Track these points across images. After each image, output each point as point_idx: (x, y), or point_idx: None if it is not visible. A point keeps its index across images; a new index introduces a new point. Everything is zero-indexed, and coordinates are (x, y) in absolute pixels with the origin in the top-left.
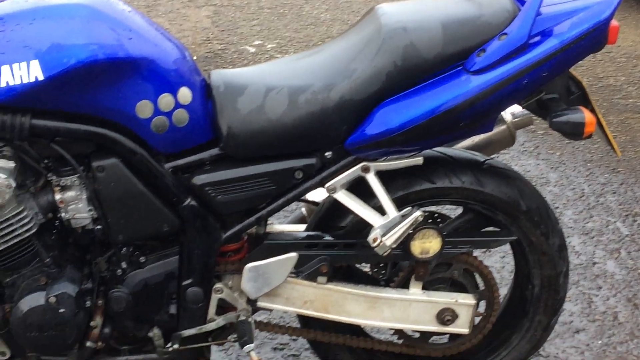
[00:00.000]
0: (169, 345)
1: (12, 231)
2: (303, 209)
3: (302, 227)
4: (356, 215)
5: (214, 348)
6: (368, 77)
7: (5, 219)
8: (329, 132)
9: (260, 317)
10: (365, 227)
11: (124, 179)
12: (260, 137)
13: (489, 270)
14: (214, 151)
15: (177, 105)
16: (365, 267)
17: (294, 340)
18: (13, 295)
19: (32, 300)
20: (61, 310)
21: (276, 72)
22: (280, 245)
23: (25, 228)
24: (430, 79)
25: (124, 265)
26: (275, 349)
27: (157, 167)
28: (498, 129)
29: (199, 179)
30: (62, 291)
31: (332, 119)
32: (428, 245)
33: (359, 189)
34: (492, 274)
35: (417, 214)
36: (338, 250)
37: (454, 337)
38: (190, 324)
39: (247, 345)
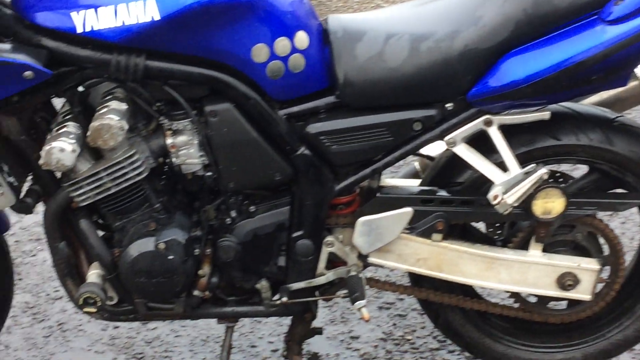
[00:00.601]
0: (276, 298)
1: (124, 174)
2: (416, 163)
3: (416, 182)
4: (475, 171)
5: (319, 304)
6: (495, 25)
7: (117, 161)
8: (451, 83)
9: (368, 274)
10: (484, 183)
11: (237, 125)
12: (378, 86)
13: (615, 235)
14: (330, 99)
15: (294, 49)
16: (481, 226)
17: (400, 299)
18: (122, 240)
19: (141, 246)
20: (170, 257)
21: (396, 18)
22: (395, 199)
23: (136, 172)
24: (561, 28)
25: (233, 214)
26: (380, 308)
27: (271, 113)
28: (630, 85)
29: (314, 128)
30: (171, 237)
31: (455, 68)
32: (551, 205)
33: (480, 143)
34: (619, 239)
35: (542, 171)
36: (455, 207)
37: (573, 303)
38: (299, 277)
39: (359, 302)
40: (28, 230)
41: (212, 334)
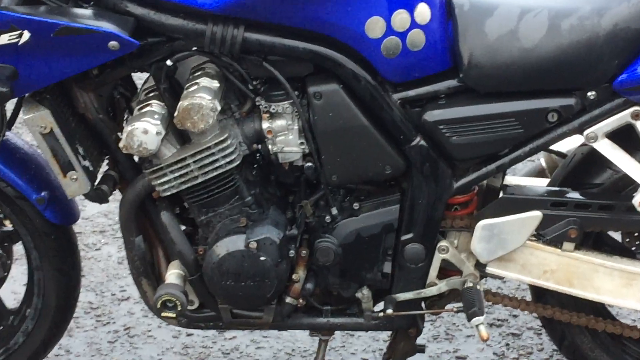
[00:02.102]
0: (379, 309)
1: (213, 162)
2: (542, 160)
3: (544, 181)
4: (618, 171)
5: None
6: None
7: (207, 147)
8: (596, 68)
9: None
10: (627, 186)
11: (344, 109)
12: (509, 69)
13: None
14: (452, 82)
15: (413, 24)
16: (616, 235)
17: (514, 316)
18: (207, 237)
19: (230, 244)
20: (262, 258)
21: None
22: (522, 201)
23: (227, 159)
24: None
25: (334, 211)
26: (491, 325)
27: (384, 97)
28: None
29: (432, 115)
30: (264, 236)
31: (601, 51)
32: None
33: (624, 139)
34: None
35: None
36: (591, 212)
37: None
38: (407, 286)
39: (477, 318)
40: (91, 221)
41: (297, 346)
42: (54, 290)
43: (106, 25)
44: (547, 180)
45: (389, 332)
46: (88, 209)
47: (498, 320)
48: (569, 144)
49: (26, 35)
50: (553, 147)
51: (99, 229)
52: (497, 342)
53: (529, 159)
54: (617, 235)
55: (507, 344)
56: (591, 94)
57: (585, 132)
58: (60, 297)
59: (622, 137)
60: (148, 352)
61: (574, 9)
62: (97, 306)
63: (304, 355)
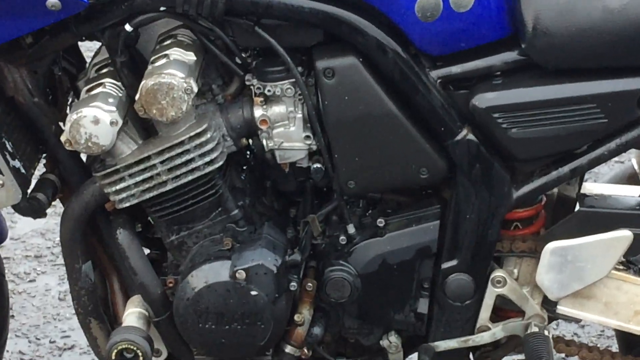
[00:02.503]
0: None
1: (188, 162)
2: (633, 161)
3: (636, 189)
4: None
5: None
6: None
7: (179, 142)
8: None
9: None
10: None
11: (365, 91)
12: (587, 38)
13: None
14: (510, 55)
15: None
16: None
17: None
18: (180, 264)
19: (210, 273)
20: (253, 293)
21: None
22: (605, 216)
23: (207, 158)
24: None
25: (351, 229)
26: None
27: (419, 74)
28: None
29: (484, 99)
30: (255, 262)
31: None
32: None
33: None
34: None
35: None
36: None
37: None
38: (450, 332)
39: None
40: (23, 242)
41: None
42: None
43: None
44: None
45: None
46: (19, 227)
47: None
48: None
49: None
50: None
51: (33, 254)
52: None
53: (615, 159)
54: None
55: None
56: None
57: None
58: None
59: None
60: None
61: None
62: (31, 358)
63: None
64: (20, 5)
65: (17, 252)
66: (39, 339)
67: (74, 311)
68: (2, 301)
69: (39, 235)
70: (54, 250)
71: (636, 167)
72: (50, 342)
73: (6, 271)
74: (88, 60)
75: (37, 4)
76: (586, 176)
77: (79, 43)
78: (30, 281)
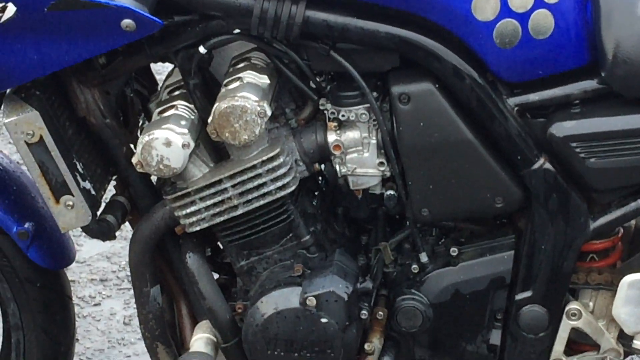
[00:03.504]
0: None
1: (260, 186)
2: None
3: None
4: None
5: None
6: None
7: (251, 165)
8: None
9: None
10: None
11: (441, 117)
12: None
13: None
14: (590, 84)
15: (538, 2)
16: None
17: None
18: (249, 289)
19: (280, 299)
20: (324, 320)
21: None
22: None
23: (279, 183)
24: None
25: (424, 258)
26: None
27: (495, 101)
28: None
29: (562, 128)
30: (327, 290)
31: None
32: None
33: None
34: None
35: None
36: None
37: None
38: None
39: None
40: (89, 266)
41: None
42: (38, 359)
43: None
44: None
45: None
46: (85, 250)
47: None
48: None
49: (11, 9)
50: None
51: (99, 277)
52: None
53: None
54: None
55: None
56: None
57: None
58: None
59: None
60: None
61: None
62: None
63: None
64: (95, 25)
65: (83, 276)
66: None
67: (138, 336)
68: (68, 324)
69: (105, 259)
70: (120, 274)
71: None
72: None
73: (72, 294)
74: (160, 82)
75: (112, 25)
76: None
77: (152, 65)
78: (95, 305)
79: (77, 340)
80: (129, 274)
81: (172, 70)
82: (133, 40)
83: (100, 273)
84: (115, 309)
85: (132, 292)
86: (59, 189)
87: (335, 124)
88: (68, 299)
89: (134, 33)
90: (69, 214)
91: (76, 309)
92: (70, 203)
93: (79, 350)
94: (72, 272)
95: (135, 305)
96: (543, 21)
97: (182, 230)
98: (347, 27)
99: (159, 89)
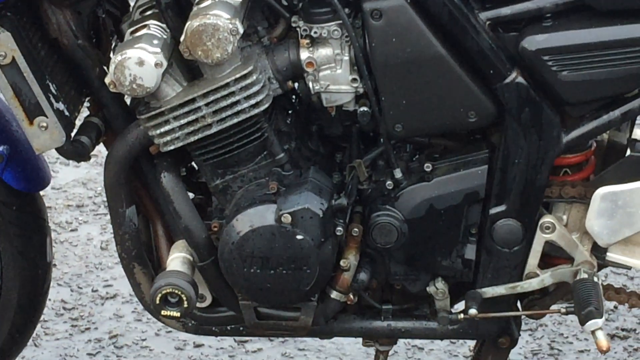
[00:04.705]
0: (458, 309)
1: (233, 104)
2: None
3: None
4: None
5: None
6: None
7: (224, 84)
8: None
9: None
10: None
11: (413, 33)
12: None
13: None
14: None
15: None
16: None
17: None
18: (224, 208)
19: (255, 217)
20: (299, 237)
21: None
22: None
23: (252, 101)
24: None
25: (398, 174)
26: (613, 336)
27: (467, 16)
28: None
29: (534, 42)
30: (301, 206)
31: None
32: None
33: None
34: None
35: None
36: None
37: None
38: (497, 278)
39: (593, 321)
40: (65, 192)
41: None
42: (16, 282)
43: None
44: None
45: (472, 343)
46: (60, 176)
47: (623, 330)
48: None
49: None
50: None
51: (75, 203)
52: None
53: None
54: None
55: None
56: None
57: None
58: (23, 291)
59: None
60: None
61: None
62: (73, 306)
63: None
64: None
65: (59, 202)
66: (81, 288)
67: (116, 260)
68: (45, 247)
69: (81, 185)
70: (96, 200)
71: None
72: (93, 290)
73: (49, 220)
74: (132, 3)
75: None
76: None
77: None
78: (72, 230)
79: (55, 265)
80: (105, 199)
81: None
82: None
83: (77, 199)
84: (92, 234)
85: (108, 217)
86: (33, 111)
87: (307, 41)
88: (44, 222)
89: None
90: (43, 135)
91: (53, 235)
92: (44, 124)
93: (57, 275)
94: (49, 198)
95: (112, 230)
96: None
97: (156, 149)
98: None
99: (131, 9)
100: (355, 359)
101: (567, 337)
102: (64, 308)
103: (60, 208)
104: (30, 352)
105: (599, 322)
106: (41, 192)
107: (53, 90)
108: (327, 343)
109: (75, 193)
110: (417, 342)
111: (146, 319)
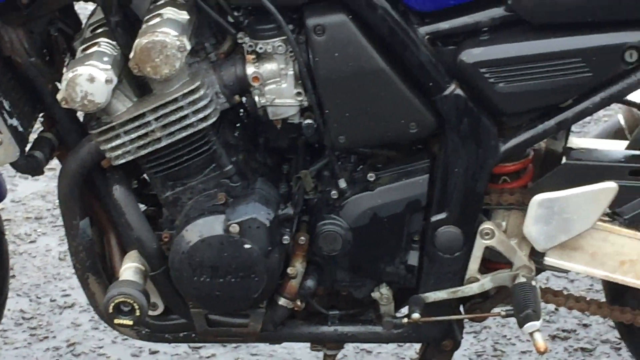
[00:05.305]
0: (402, 314)
1: (182, 118)
2: (620, 117)
3: (622, 143)
4: None
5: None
6: None
7: (173, 99)
8: None
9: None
10: None
11: (355, 47)
12: None
13: None
14: (497, 11)
15: None
16: None
17: (584, 326)
18: (175, 219)
19: (204, 227)
20: (247, 246)
21: None
22: (590, 168)
23: (200, 115)
24: None
25: (342, 184)
26: (554, 337)
27: (407, 31)
28: None
29: (471, 55)
30: (249, 216)
31: None
32: None
33: None
34: None
35: None
36: None
37: None
38: (439, 283)
39: (531, 324)
40: (24, 205)
41: None
42: None
43: None
44: (626, 143)
45: (419, 346)
46: (20, 189)
47: (563, 331)
48: None
49: None
50: (634, 98)
51: (34, 215)
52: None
53: (603, 113)
54: None
55: None
56: None
57: None
58: None
59: None
60: None
61: None
62: (32, 316)
63: None
64: None
65: (18, 214)
66: (39, 298)
67: (74, 270)
68: (2, 259)
69: (40, 198)
70: (54, 212)
71: (622, 122)
72: (51, 300)
73: (7, 233)
74: (84, 21)
75: None
76: (574, 130)
77: (75, 3)
78: (31, 242)
79: (14, 276)
80: None
81: (95, 9)
82: None
83: (36, 211)
84: (50, 246)
85: None
86: None
87: (253, 56)
88: (1, 234)
89: None
90: None
91: (12, 247)
92: None
93: (16, 286)
94: (8, 211)
95: None
96: None
97: (108, 163)
98: None
99: (83, 28)
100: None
101: (510, 339)
102: (23, 318)
103: (20, 220)
104: None
105: (537, 324)
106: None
107: (7, 107)
108: (278, 348)
109: (34, 205)
110: (366, 345)
111: (103, 327)
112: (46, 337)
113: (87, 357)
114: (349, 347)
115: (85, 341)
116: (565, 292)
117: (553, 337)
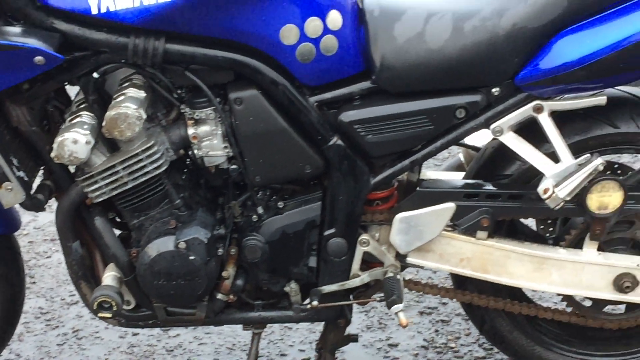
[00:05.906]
0: (307, 302)
1: (142, 167)
2: (460, 155)
3: (460, 174)
4: (524, 162)
5: (355, 309)
6: (546, 2)
7: (134, 154)
8: (498, 65)
9: (407, 275)
10: (534, 176)
11: (264, 113)
12: (418, 69)
13: None
14: (365, 84)
15: (326, 30)
16: (531, 223)
17: (443, 304)
18: (140, 239)
19: (161, 245)
20: (191, 257)
21: None
22: (436, 193)
23: (155, 165)
24: (618, 5)
25: (260, 210)
26: (422, 313)
27: (301, 100)
28: None
29: (347, 116)
30: (192, 236)
31: (502, 49)
32: (607, 199)
33: (529, 132)
34: None
35: (597, 162)
36: (502, 201)
37: (632, 307)
38: (332, 279)
39: (396, 306)
40: (42, 230)
41: (238, 341)
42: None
43: (32, 42)
44: (464, 174)
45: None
46: (40, 219)
47: (428, 308)
48: (484, 139)
49: None
50: (470, 142)
51: (49, 237)
52: (427, 329)
53: (450, 153)
54: (532, 224)
55: (437, 330)
56: (495, 90)
57: (492, 127)
58: (5, 304)
59: (528, 130)
60: (95, 352)
61: (476, 10)
62: (47, 311)
63: (244, 349)
64: (17, 61)
65: (38, 237)
66: (53, 298)
67: None
68: (19, 270)
69: (54, 225)
70: None
71: (462, 159)
72: (61, 299)
73: (30, 250)
74: (73, 98)
75: (28, 60)
76: (429, 166)
77: (68, 86)
78: (47, 257)
79: (34, 282)
80: None
81: (80, 90)
82: (44, 71)
83: (51, 235)
84: (61, 259)
85: None
86: (1, 178)
87: (192, 121)
88: (18, 254)
89: (44, 65)
90: (9, 195)
91: (33, 261)
92: (10, 187)
93: (36, 289)
94: (31, 235)
95: None
96: (330, 43)
97: (90, 201)
98: (194, 54)
99: (72, 104)
100: (245, 338)
101: (391, 316)
102: (41, 312)
103: (39, 242)
104: (16, 345)
105: (400, 306)
106: (24, 232)
107: (16, 163)
108: (225, 329)
109: (51, 230)
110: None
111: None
112: (57, 327)
113: (87, 340)
114: (276, 325)
115: (86, 328)
116: (423, 282)
117: (421, 313)
